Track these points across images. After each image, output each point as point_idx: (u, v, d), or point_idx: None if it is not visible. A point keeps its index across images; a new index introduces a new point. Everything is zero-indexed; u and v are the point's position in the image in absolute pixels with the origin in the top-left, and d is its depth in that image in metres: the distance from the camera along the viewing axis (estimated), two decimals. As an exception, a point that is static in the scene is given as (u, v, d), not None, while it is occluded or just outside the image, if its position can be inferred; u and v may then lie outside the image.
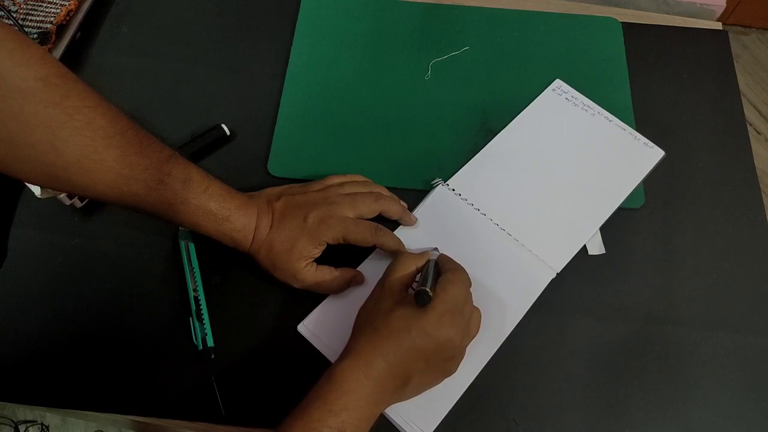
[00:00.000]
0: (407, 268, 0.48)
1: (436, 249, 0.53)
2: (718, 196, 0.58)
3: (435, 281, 0.46)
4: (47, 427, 1.24)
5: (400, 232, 0.55)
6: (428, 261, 0.48)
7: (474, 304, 0.48)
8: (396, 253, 0.52)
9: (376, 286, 0.48)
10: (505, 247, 0.55)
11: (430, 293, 0.43)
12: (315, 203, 0.51)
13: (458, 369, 0.47)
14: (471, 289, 0.48)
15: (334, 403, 0.40)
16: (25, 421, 1.25)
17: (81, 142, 0.42)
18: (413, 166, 0.59)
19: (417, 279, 0.48)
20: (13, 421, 1.24)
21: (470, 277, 0.48)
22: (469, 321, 0.46)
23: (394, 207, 0.54)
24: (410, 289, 0.47)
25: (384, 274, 0.48)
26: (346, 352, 0.44)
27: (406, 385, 0.44)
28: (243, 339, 0.51)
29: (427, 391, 0.47)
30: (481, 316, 0.48)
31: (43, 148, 0.41)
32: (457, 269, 0.48)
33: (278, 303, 0.53)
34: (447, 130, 0.62)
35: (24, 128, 0.40)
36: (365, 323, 0.45)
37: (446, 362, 0.46)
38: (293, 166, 0.59)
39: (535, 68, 0.65)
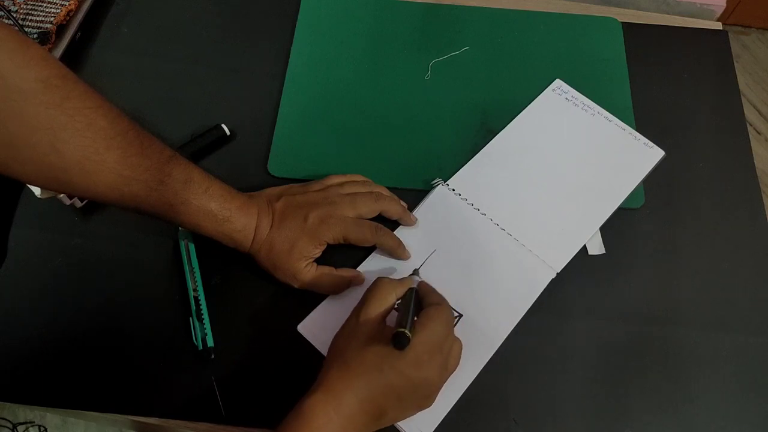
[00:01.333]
0: (386, 299, 0.45)
1: (416, 272, 0.52)
2: (718, 196, 0.58)
3: (414, 316, 0.43)
4: (45, 429, 1.24)
5: (400, 232, 0.55)
6: (409, 290, 0.46)
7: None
8: (400, 252, 0.52)
9: (352, 313, 0.46)
10: (505, 247, 0.55)
11: (409, 335, 0.40)
12: (315, 203, 0.51)
13: (458, 370, 0.47)
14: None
15: None
16: (25, 422, 1.25)
17: (82, 143, 0.42)
18: (413, 166, 0.59)
19: (396, 307, 0.46)
20: (11, 422, 1.24)
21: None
22: (448, 357, 0.44)
23: (393, 207, 0.54)
24: (388, 323, 0.45)
25: (361, 301, 0.46)
26: (317, 386, 0.42)
27: (380, 420, 0.42)
28: (243, 339, 0.51)
29: None
30: (461, 348, 0.46)
31: (44, 150, 0.41)
32: (440, 304, 0.46)
33: (278, 303, 0.53)
34: (447, 130, 0.62)
35: (25, 130, 0.40)
36: (337, 355, 0.43)
37: (421, 399, 0.44)
38: (293, 166, 0.59)
39: (535, 68, 0.65)
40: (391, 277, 0.49)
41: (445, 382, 0.45)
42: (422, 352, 0.42)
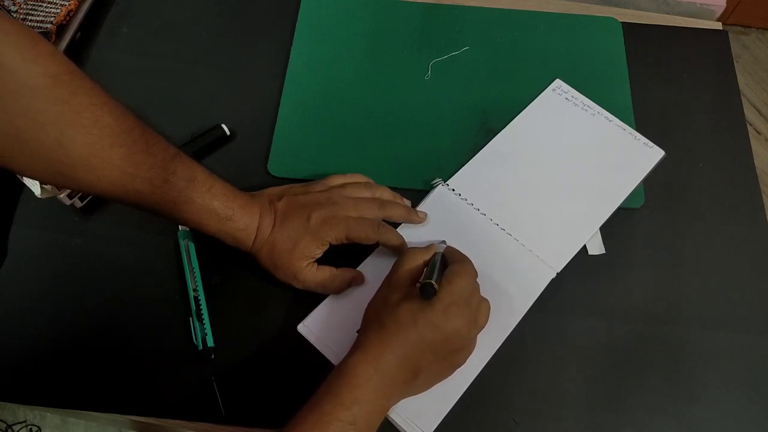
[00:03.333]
0: (414, 262, 0.48)
1: (443, 242, 0.53)
2: (718, 196, 0.58)
3: (441, 274, 0.46)
4: (39, 429, 1.24)
5: (402, 231, 0.55)
6: (435, 254, 0.49)
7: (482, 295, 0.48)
8: (403, 249, 0.53)
9: (384, 281, 0.48)
10: (505, 247, 0.55)
11: (436, 286, 0.43)
12: (318, 203, 0.51)
13: (458, 370, 0.47)
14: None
15: (345, 396, 0.41)
16: (23, 422, 1.25)
17: (88, 140, 0.42)
18: (413, 166, 0.59)
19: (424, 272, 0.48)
20: (6, 423, 1.24)
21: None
22: (477, 311, 0.47)
23: (397, 212, 0.54)
24: (417, 284, 0.47)
25: (392, 269, 0.48)
26: (356, 347, 0.44)
27: (416, 378, 0.44)
28: (243, 339, 0.51)
29: (428, 390, 0.47)
30: (489, 307, 0.48)
31: (51, 146, 0.41)
32: (464, 260, 0.48)
33: (278, 303, 0.53)
34: (447, 130, 0.62)
35: (32, 125, 0.40)
36: (373, 318, 0.46)
37: (454, 354, 0.46)
38: (293, 166, 0.59)
39: (535, 68, 0.65)
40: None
41: (475, 338, 0.47)
42: (450, 303, 0.44)
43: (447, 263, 0.48)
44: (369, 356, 0.43)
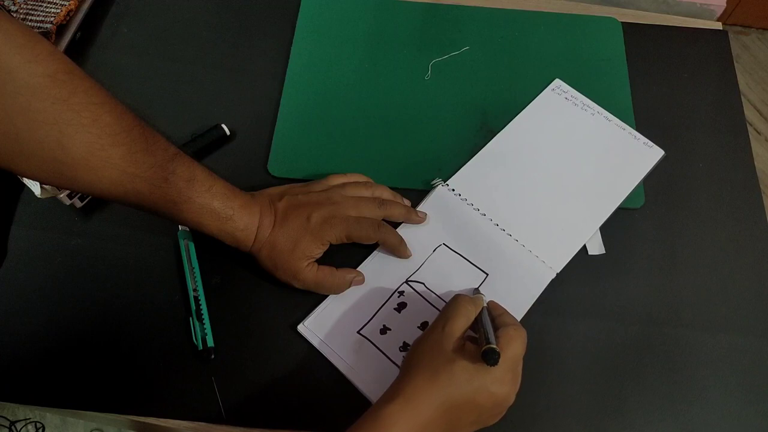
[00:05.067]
0: (468, 315, 0.45)
1: (477, 290, 0.52)
2: (718, 196, 0.58)
3: (494, 333, 0.44)
4: (42, 426, 1.24)
5: (401, 231, 0.55)
6: (483, 310, 0.47)
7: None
8: (403, 249, 0.53)
9: (434, 325, 0.45)
10: (505, 247, 0.55)
11: (500, 352, 0.41)
12: (318, 203, 0.51)
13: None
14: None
15: None
16: (24, 420, 1.25)
17: (87, 139, 0.42)
18: (413, 166, 0.59)
19: (474, 329, 0.46)
20: (9, 420, 1.24)
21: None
22: (519, 375, 0.45)
23: (397, 211, 0.54)
24: (477, 344, 0.44)
25: (443, 315, 0.46)
26: (396, 393, 0.42)
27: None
28: (243, 339, 0.51)
29: None
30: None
31: (50, 145, 0.41)
32: (517, 325, 0.46)
33: (278, 303, 0.53)
34: (447, 130, 0.62)
35: (31, 125, 0.40)
36: (420, 366, 0.43)
37: (492, 417, 0.44)
38: (293, 166, 0.59)
39: (535, 68, 0.65)
40: (394, 276, 0.51)
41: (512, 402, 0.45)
42: (506, 370, 0.43)
43: (494, 320, 0.46)
44: (410, 406, 0.41)
